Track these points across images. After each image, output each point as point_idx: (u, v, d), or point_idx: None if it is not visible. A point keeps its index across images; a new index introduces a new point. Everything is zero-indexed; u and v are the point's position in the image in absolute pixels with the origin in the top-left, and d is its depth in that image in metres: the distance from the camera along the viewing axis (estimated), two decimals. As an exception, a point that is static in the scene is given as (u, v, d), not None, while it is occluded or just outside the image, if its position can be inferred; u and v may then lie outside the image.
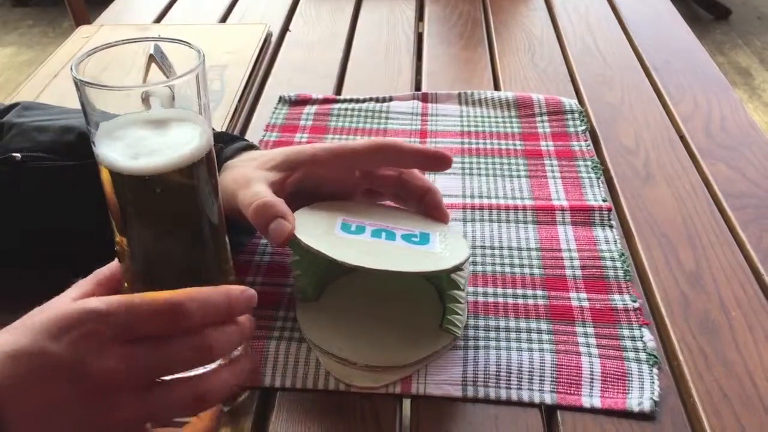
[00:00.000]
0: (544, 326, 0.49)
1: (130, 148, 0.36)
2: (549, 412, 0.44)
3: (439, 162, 0.52)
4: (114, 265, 0.41)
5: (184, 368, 0.37)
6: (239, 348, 0.41)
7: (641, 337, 0.48)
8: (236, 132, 0.74)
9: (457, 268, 0.45)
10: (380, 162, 0.52)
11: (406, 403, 0.45)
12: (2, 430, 0.32)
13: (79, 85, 0.34)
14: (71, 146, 0.52)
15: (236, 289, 0.39)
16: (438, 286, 0.51)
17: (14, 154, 0.51)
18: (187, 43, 0.37)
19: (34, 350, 0.33)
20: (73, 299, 0.38)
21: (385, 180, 0.53)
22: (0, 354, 0.33)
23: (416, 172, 0.53)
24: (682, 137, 0.72)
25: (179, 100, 0.36)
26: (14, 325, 0.35)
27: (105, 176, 0.37)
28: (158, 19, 1.02)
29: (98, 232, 0.52)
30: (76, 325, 0.34)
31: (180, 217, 0.39)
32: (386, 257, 0.45)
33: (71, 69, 0.35)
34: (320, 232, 0.47)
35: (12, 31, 2.94)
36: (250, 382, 0.45)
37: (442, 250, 0.47)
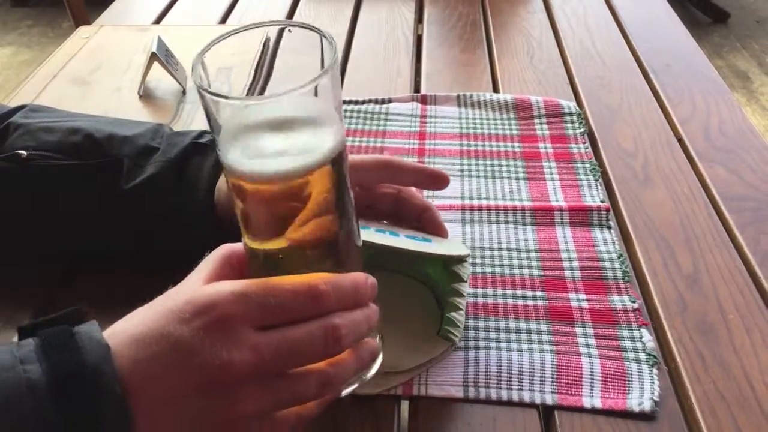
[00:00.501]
0: (543, 327, 0.49)
1: (265, 153, 0.33)
2: (547, 412, 0.44)
3: (437, 181, 0.52)
4: (242, 247, 0.38)
5: (313, 360, 0.35)
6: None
7: (640, 338, 0.48)
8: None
9: (462, 259, 0.46)
10: (380, 178, 0.52)
11: (405, 405, 0.45)
12: (127, 420, 0.30)
13: (206, 97, 0.31)
14: (77, 147, 0.52)
15: (361, 275, 0.37)
16: (436, 293, 0.51)
17: (20, 152, 0.51)
18: (319, 30, 0.34)
19: (162, 334, 0.31)
20: (204, 281, 0.35)
21: (384, 197, 0.52)
22: (127, 336, 0.32)
23: (414, 190, 0.53)
24: (680, 140, 0.72)
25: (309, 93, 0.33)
26: (145, 307, 0.34)
27: (241, 183, 0.34)
28: (158, 20, 1.02)
29: (100, 231, 0.53)
30: (209, 308, 0.32)
31: (322, 214, 0.36)
32: (390, 241, 0.45)
33: (194, 80, 0.32)
34: None
35: (11, 31, 2.94)
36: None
37: (444, 248, 0.48)
